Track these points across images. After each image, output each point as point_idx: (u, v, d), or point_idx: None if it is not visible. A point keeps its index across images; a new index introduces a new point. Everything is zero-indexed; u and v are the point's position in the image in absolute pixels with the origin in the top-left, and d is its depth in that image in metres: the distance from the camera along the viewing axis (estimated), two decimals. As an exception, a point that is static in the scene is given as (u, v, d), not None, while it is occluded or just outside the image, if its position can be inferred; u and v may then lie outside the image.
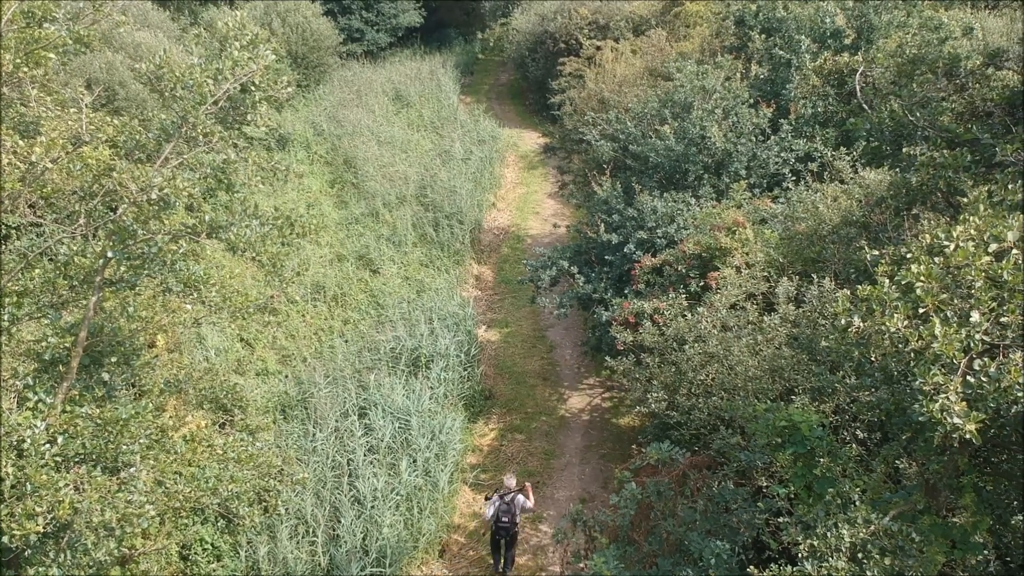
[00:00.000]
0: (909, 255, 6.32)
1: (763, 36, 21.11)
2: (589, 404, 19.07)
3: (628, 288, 16.51)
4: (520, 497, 13.81)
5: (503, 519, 13.71)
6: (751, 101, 18.89)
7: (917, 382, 5.74)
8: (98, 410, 8.61)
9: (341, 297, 22.01)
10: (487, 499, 13.93)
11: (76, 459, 8.55)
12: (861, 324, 6.09)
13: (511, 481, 14.04)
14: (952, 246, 6.09)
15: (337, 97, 34.63)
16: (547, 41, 36.10)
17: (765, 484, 10.35)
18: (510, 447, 17.66)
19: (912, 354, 5.79)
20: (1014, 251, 5.97)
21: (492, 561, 14.42)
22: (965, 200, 6.94)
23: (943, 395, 5.59)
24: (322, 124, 31.98)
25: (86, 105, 8.64)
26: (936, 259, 6.12)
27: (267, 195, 26.20)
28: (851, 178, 15.72)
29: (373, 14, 42.05)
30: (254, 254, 8.96)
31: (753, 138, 18.26)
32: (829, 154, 17.18)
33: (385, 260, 23.85)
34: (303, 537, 13.97)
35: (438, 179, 27.69)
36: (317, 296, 21.74)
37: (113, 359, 9.45)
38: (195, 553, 13.48)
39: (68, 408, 8.60)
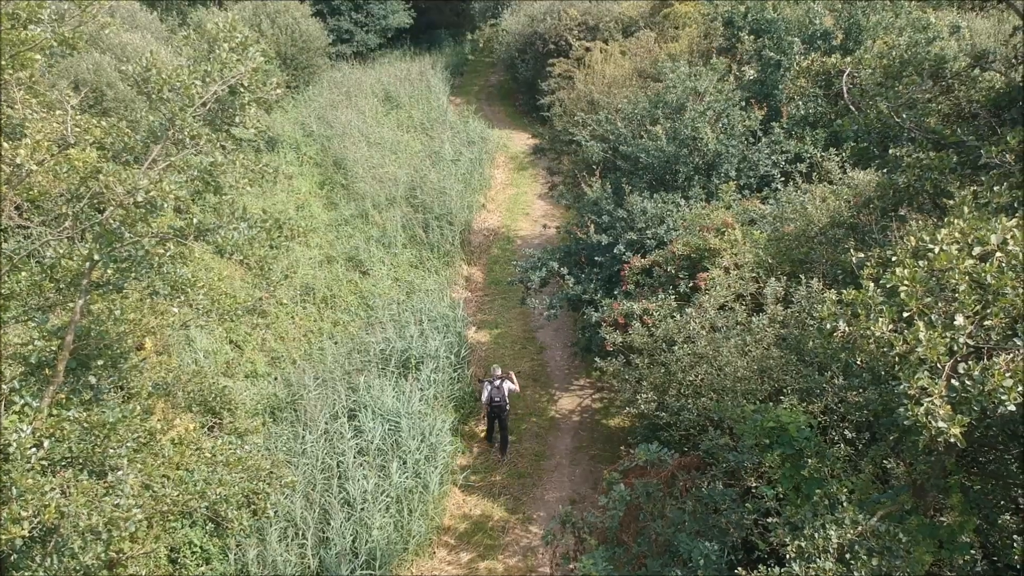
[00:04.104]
0: (894, 258, 6.34)
1: (752, 37, 21.17)
2: (579, 405, 19.08)
3: (618, 289, 16.52)
4: (507, 382, 17.18)
5: (495, 399, 16.99)
6: (742, 103, 18.94)
7: (902, 386, 5.75)
8: (85, 414, 8.56)
9: (330, 299, 21.95)
10: (480, 381, 17.75)
11: (63, 463, 8.51)
12: (846, 328, 6.12)
13: (497, 370, 17.41)
14: (936, 249, 6.11)
15: (327, 98, 34.52)
16: (537, 42, 36.07)
17: (754, 484, 10.38)
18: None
19: (897, 358, 5.81)
20: (998, 254, 6.00)
21: (486, 436, 18.00)
22: (951, 203, 6.97)
23: (928, 399, 5.61)
24: (312, 125, 31.87)
25: (72, 107, 8.60)
26: (921, 262, 6.14)
27: (256, 197, 26.10)
28: (840, 179, 15.79)
29: (362, 15, 41.94)
30: (242, 257, 8.93)
31: (744, 140, 18.31)
32: (818, 155, 17.24)
33: (375, 261, 23.80)
34: (292, 540, 13.93)
35: (428, 180, 27.66)
36: (306, 298, 21.68)
37: (100, 362, 9.40)
38: (184, 556, 13.42)
39: (55, 412, 8.56)
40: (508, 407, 17.29)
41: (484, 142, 32.99)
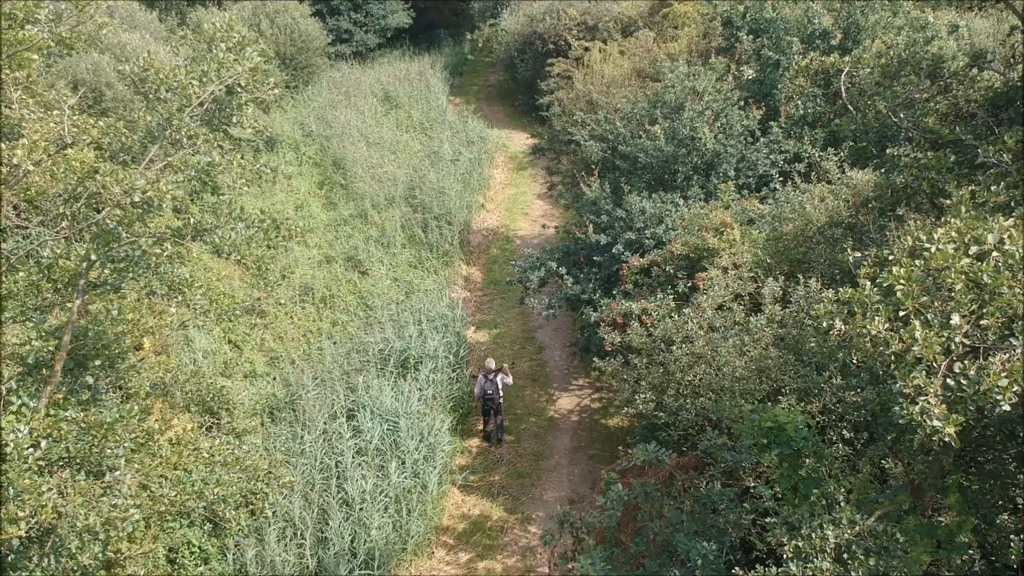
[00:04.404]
0: (891, 257, 6.34)
1: (751, 37, 21.17)
2: (578, 405, 19.08)
3: (616, 289, 16.52)
4: (501, 375, 17.30)
5: (488, 392, 17.20)
6: (741, 103, 18.93)
7: (897, 385, 5.74)
8: (82, 414, 8.55)
9: (330, 299, 21.93)
10: (473, 377, 17.96)
11: (60, 463, 8.50)
12: (843, 327, 6.11)
13: (492, 363, 17.57)
14: (933, 249, 6.10)
15: (326, 98, 34.52)
16: (536, 42, 36.06)
17: (753, 484, 10.37)
18: (499, 448, 17.67)
19: (892, 357, 5.81)
20: (994, 253, 5.99)
21: (483, 427, 18.03)
22: (948, 202, 6.97)
23: (923, 398, 5.60)
24: (311, 125, 31.87)
25: (68, 107, 8.59)
26: (917, 262, 6.13)
27: (256, 197, 26.10)
28: (838, 178, 15.78)
29: (362, 15, 41.94)
30: (239, 257, 8.92)
31: (743, 139, 18.30)
32: (817, 154, 17.23)
33: (374, 261, 23.79)
34: (291, 540, 13.92)
35: (427, 180, 27.65)
36: (306, 298, 21.67)
37: (97, 362, 9.39)
38: (182, 556, 13.42)
39: (52, 412, 8.54)
40: (502, 400, 17.45)
41: (483, 142, 32.99)
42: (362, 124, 31.81)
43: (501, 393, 17.35)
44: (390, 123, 33.52)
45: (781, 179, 17.98)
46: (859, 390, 10.57)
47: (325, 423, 16.12)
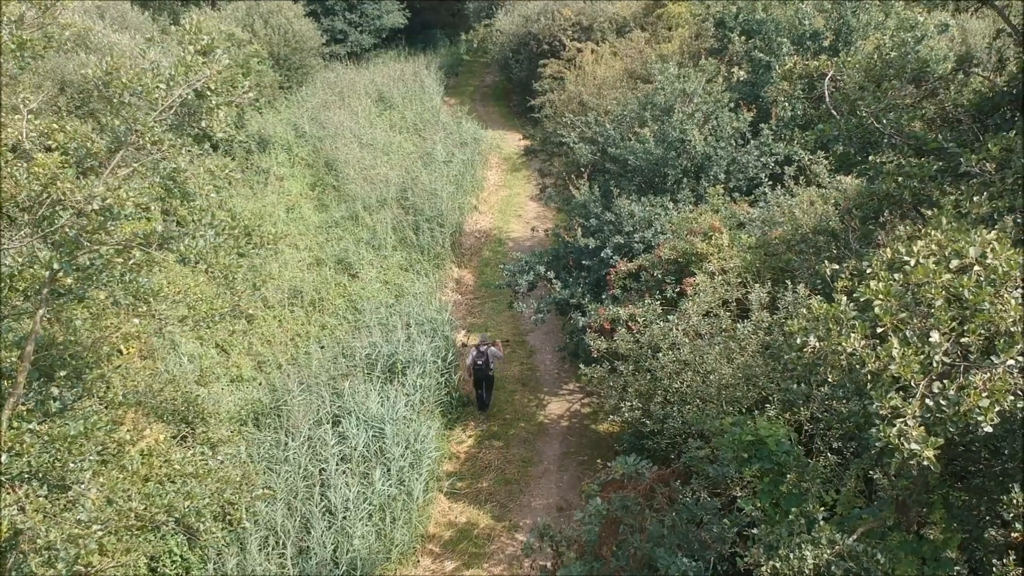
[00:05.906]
0: (869, 270, 6.09)
1: (743, 38, 20.94)
2: (568, 410, 18.86)
3: (605, 293, 16.29)
4: (492, 348, 18.22)
5: (479, 363, 17.99)
6: (731, 105, 18.69)
7: (874, 405, 5.51)
8: (46, 426, 8.32)
9: (319, 302, 21.70)
10: (464, 346, 19.22)
11: (23, 477, 8.27)
12: (817, 344, 5.87)
13: (484, 338, 18.59)
14: (912, 262, 5.86)
15: (320, 99, 34.30)
16: (531, 42, 35.85)
17: (739, 495, 10.14)
18: (487, 454, 17.45)
19: (869, 376, 5.57)
20: (976, 268, 5.75)
21: (476, 398, 18.78)
22: (930, 213, 6.73)
23: (900, 420, 5.36)
24: (304, 126, 31.64)
25: (28, 111, 8.35)
26: (896, 275, 5.89)
27: (247, 198, 25.91)
28: (828, 182, 15.55)
29: (356, 15, 41.72)
30: (206, 266, 8.68)
31: (733, 142, 18.06)
32: (806, 158, 17.00)
33: (364, 264, 23.55)
34: (273, 549, 13.71)
35: (419, 182, 27.41)
36: (295, 301, 21.43)
37: (63, 373, 9.16)
38: (163, 565, 13.21)
39: (15, 424, 8.32)
40: (493, 372, 18.36)
41: (477, 143, 32.76)
42: (355, 125, 31.58)
43: (492, 365, 18.14)
44: (384, 124, 33.28)
45: (770, 183, 17.73)
46: (846, 401, 10.35)
47: (310, 429, 15.90)
